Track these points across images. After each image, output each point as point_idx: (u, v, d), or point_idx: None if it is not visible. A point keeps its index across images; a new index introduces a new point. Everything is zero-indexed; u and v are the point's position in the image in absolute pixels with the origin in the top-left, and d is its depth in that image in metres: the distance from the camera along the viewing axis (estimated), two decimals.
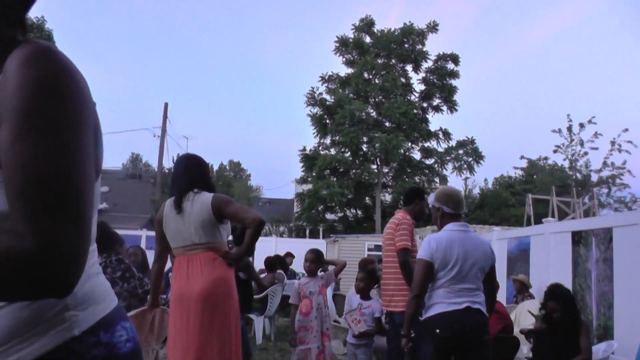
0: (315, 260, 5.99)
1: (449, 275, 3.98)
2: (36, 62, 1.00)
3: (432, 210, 4.40)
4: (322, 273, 6.25)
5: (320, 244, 18.99)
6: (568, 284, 7.64)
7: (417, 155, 29.69)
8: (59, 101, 1.00)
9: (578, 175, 27.48)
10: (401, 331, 4.28)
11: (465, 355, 3.93)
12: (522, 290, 8.50)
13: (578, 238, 7.70)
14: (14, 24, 1.15)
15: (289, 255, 13.81)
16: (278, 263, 10.89)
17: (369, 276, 6.13)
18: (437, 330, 3.91)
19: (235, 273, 5.59)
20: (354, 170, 28.22)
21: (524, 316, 6.98)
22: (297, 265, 13.97)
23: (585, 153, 26.83)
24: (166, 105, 28.99)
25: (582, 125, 26.39)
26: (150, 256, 5.71)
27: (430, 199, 4.41)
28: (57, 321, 1.09)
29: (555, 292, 5.48)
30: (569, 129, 26.95)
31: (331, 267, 6.55)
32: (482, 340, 3.93)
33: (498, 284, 5.43)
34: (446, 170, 29.24)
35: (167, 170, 28.71)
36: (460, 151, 28.88)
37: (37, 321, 1.08)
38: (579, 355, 5.29)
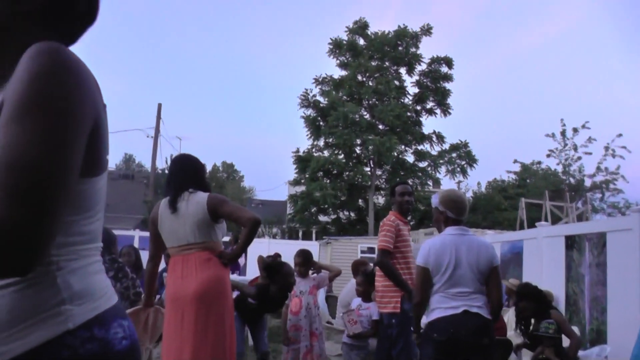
0: (304, 263, 6.00)
1: (442, 279, 3.98)
2: (40, 57, 1.06)
3: (434, 212, 4.36)
4: (315, 275, 6.22)
5: (313, 245, 18.93)
6: (561, 289, 7.68)
7: (410, 158, 29.72)
8: (53, 95, 1.05)
9: (571, 179, 27.55)
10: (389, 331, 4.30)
11: (467, 359, 3.90)
12: (512, 295, 8.51)
13: (571, 242, 7.72)
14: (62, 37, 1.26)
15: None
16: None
17: (367, 279, 6.11)
18: (435, 335, 3.91)
19: (245, 300, 5.48)
20: (347, 173, 28.21)
21: (511, 320, 6.99)
22: None
23: (579, 158, 26.90)
24: (160, 105, 28.94)
25: (575, 130, 26.47)
26: (144, 256, 5.66)
27: (434, 200, 4.37)
28: (52, 314, 1.12)
29: (524, 292, 5.67)
30: (563, 133, 27.03)
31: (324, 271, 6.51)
32: (482, 343, 3.89)
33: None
34: (439, 173, 29.27)
35: (160, 171, 28.63)
36: (454, 154, 28.92)
37: (35, 312, 1.10)
38: (570, 340, 5.38)
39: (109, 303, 1.24)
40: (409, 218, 5.74)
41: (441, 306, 3.95)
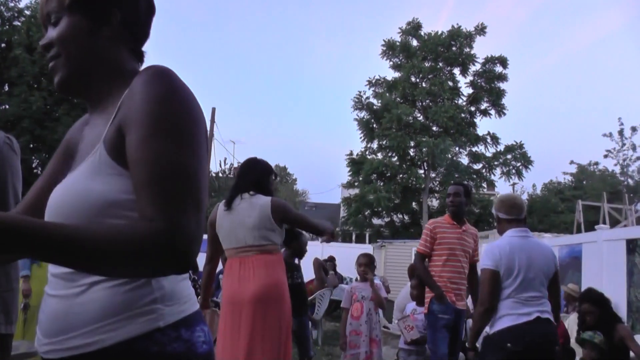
0: (370, 264, 6.00)
1: (514, 284, 3.80)
2: (161, 79, 1.19)
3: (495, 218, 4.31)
4: (376, 281, 6.17)
5: (367, 249, 18.90)
6: (622, 295, 7.48)
7: (464, 159, 29.35)
8: (182, 111, 1.18)
9: (630, 181, 26.87)
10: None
11: None
12: (571, 300, 8.31)
13: (633, 246, 7.51)
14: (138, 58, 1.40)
15: (331, 259, 13.69)
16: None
17: (421, 283, 6.08)
18: (509, 344, 3.70)
19: (288, 276, 5.48)
20: (400, 175, 28.06)
21: (572, 328, 6.85)
22: (342, 270, 13.91)
23: (638, 158, 26.22)
24: (214, 110, 29.21)
25: (634, 129, 25.85)
26: (200, 259, 5.73)
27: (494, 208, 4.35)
28: (146, 311, 1.20)
29: (588, 295, 5.48)
30: (621, 132, 26.44)
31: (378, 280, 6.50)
32: (553, 351, 3.75)
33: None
34: (494, 175, 28.86)
35: (214, 174, 28.95)
36: (509, 156, 28.46)
37: (128, 308, 1.18)
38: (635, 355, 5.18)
39: (194, 308, 1.31)
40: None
41: (513, 312, 3.76)
